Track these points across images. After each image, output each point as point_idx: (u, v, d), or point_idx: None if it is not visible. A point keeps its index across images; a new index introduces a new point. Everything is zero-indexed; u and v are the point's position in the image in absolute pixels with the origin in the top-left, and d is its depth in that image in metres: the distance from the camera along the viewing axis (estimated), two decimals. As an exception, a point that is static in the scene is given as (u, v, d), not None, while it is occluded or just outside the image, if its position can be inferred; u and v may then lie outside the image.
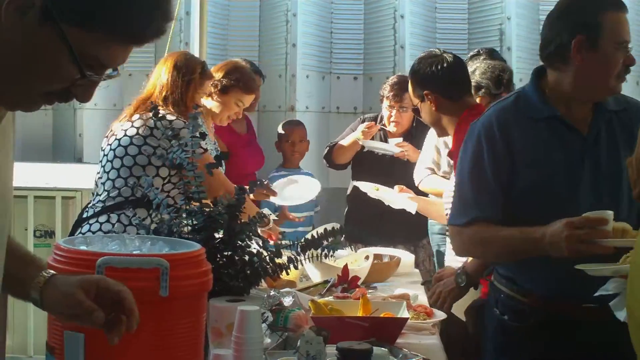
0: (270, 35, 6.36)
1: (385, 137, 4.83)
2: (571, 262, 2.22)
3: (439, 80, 3.36)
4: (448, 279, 3.18)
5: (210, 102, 4.23)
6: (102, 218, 3.43)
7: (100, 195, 3.51)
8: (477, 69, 3.71)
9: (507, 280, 2.57)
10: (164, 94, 3.60)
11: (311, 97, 6.32)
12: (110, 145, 3.54)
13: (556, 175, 2.42)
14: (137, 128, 3.49)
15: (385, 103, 4.77)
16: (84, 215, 3.53)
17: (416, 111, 3.49)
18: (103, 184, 3.52)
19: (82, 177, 5.14)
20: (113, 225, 3.38)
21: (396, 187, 4.26)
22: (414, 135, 4.74)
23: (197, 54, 4.78)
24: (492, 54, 4.44)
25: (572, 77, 2.43)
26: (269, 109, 6.30)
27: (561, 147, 2.45)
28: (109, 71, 1.37)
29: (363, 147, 4.80)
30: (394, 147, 4.57)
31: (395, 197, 4.21)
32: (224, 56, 5.92)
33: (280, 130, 5.35)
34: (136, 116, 3.53)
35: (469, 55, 4.46)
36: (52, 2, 1.26)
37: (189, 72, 3.65)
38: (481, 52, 4.43)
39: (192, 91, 3.64)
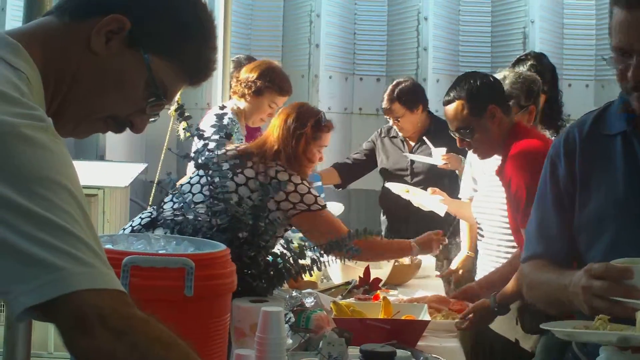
0: (294, 36, 6.37)
1: (397, 135, 4.84)
2: None
3: (498, 89, 3.13)
4: (484, 300, 3.00)
5: (242, 103, 4.20)
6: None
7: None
8: (506, 78, 3.43)
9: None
10: (275, 148, 3.35)
11: (334, 98, 6.33)
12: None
13: (626, 201, 1.97)
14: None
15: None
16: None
17: (467, 143, 3.12)
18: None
19: (104, 175, 5.15)
20: None
21: (429, 189, 4.24)
22: (433, 133, 4.69)
23: (220, 54, 4.76)
24: (541, 59, 4.10)
25: None
26: (291, 110, 6.30)
27: (633, 167, 1.98)
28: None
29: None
30: (438, 160, 4.55)
31: (426, 199, 4.21)
32: (247, 56, 5.92)
33: None
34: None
35: (514, 60, 4.14)
36: (139, 30, 1.34)
37: (300, 126, 3.41)
38: (529, 56, 4.10)
39: (304, 145, 3.39)
